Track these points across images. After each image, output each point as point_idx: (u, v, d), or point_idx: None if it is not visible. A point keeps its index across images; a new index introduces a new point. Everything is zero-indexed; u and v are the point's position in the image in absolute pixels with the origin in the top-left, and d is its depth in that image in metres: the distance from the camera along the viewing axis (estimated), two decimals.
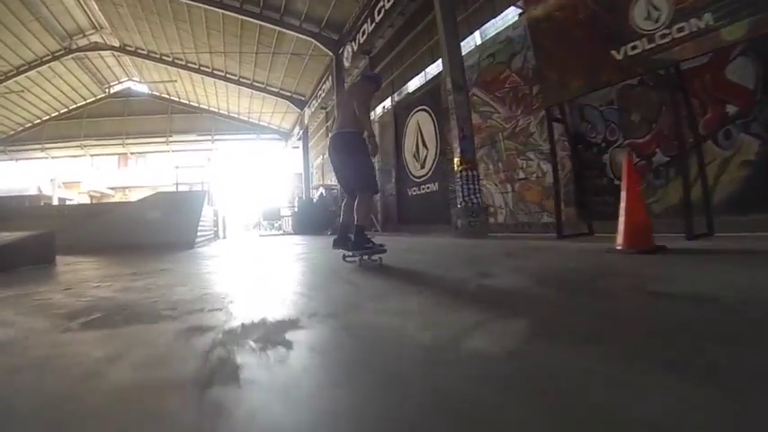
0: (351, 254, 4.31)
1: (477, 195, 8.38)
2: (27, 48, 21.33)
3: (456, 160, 8.65)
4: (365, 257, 4.16)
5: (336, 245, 4.47)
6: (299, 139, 30.48)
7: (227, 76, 24.81)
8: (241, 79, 24.91)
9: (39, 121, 30.07)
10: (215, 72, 24.72)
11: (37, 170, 30.02)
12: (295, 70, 22.24)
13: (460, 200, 8.34)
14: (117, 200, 27.97)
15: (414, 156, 13.59)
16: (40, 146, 30.51)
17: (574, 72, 6.51)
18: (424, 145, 12.92)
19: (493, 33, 10.32)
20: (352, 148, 4.27)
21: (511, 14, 9.96)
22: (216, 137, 31.50)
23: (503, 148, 9.62)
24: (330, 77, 18.89)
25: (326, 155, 17.72)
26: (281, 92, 25.55)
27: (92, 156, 33.25)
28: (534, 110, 8.80)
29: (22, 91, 25.41)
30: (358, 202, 4.25)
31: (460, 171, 8.45)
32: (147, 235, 9.13)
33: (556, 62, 6.82)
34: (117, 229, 9.33)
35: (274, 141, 34.15)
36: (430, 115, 12.63)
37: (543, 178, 8.57)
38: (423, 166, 13.02)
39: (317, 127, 26.33)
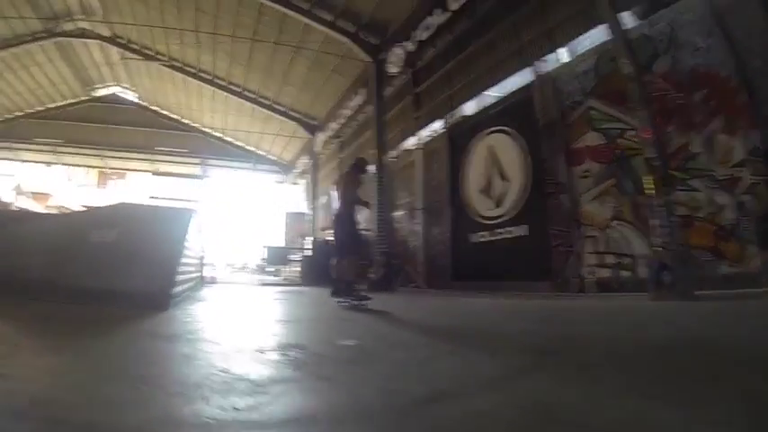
0: (343, 300, 6.68)
1: (680, 232, 6.50)
2: (4, 21, 19.76)
3: (652, 179, 6.76)
4: (355, 302, 6.45)
5: (335, 294, 6.97)
6: (302, 173, 29.18)
7: (230, 86, 23.38)
8: (245, 92, 23.49)
9: (10, 116, 28.27)
10: (216, 80, 23.25)
11: (2, 173, 28.54)
12: (312, 85, 20.87)
13: (665, 240, 6.39)
14: None
15: (483, 191, 11.84)
16: (7, 145, 28.72)
17: None
18: (502, 177, 11.20)
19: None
20: (345, 224, 7.28)
21: None
22: (207, 161, 29.89)
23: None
24: (363, 91, 17.43)
25: (332, 193, 16.67)
26: (291, 112, 24.17)
27: (64, 164, 31.62)
28: (698, 123, 7.18)
29: None
30: (346, 262, 7.11)
31: (662, 195, 6.55)
32: (86, 273, 5.28)
33: None
34: (28, 256, 5.49)
35: (272, 174, 32.84)
36: (513, 138, 10.97)
37: (718, 214, 6.84)
38: (499, 204, 11.23)
39: (329, 157, 24.95)
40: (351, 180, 7.64)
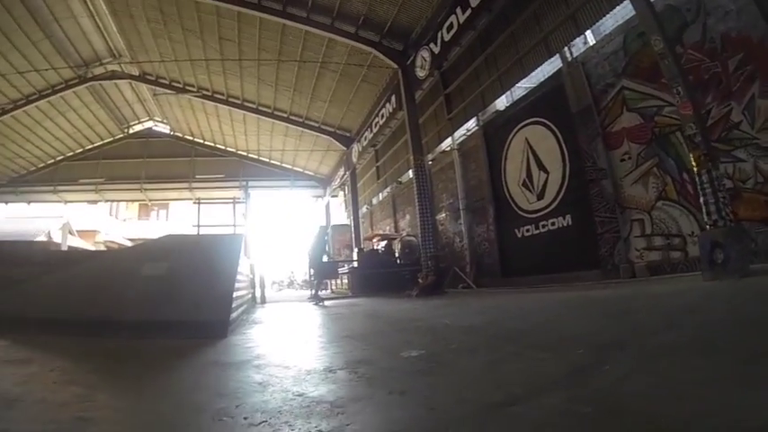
0: (314, 302, 12.68)
1: (729, 207, 6.34)
2: (38, 73, 20.78)
3: (695, 156, 6.57)
4: (320, 303, 12.23)
5: (313, 298, 13.61)
6: (340, 187, 29.65)
7: (260, 108, 23.96)
8: (275, 112, 24.04)
9: (52, 161, 29.95)
10: (245, 103, 23.89)
11: (51, 214, 29.92)
12: (342, 98, 21.27)
13: (715, 217, 6.27)
14: None
15: (523, 185, 11.89)
16: (52, 188, 30.23)
17: None
18: (542, 168, 11.21)
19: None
20: (315, 261, 15.71)
21: None
22: (246, 184, 30.60)
23: (685, 152, 7.83)
24: (393, 97, 17.63)
25: (374, 202, 18.09)
26: (323, 127, 24.60)
27: (107, 201, 33.52)
28: (736, 91, 7.07)
29: (34, 124, 25.47)
30: (317, 283, 15.21)
31: (707, 172, 6.38)
32: (138, 305, 5.43)
33: None
34: (85, 292, 5.64)
35: (311, 189, 33.52)
36: (548, 128, 11.00)
37: (767, 183, 6.73)
38: (541, 197, 11.26)
39: (366, 166, 25.34)
40: (319, 240, 15.78)
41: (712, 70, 7.41)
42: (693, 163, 6.56)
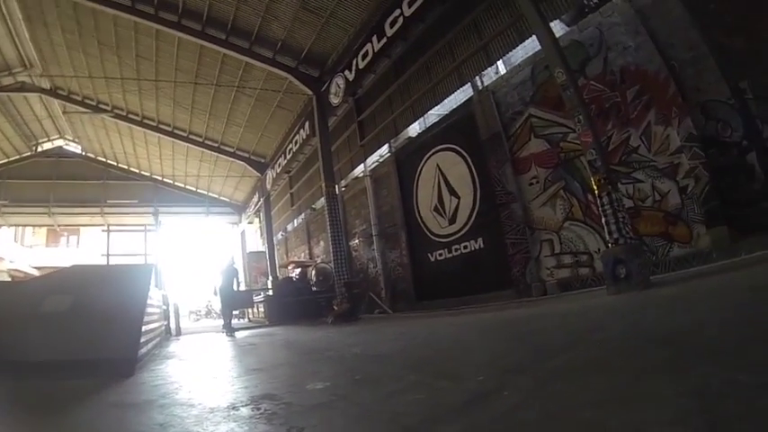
0: (226, 333, 11.61)
1: (629, 225, 6.57)
2: None
3: (595, 179, 6.79)
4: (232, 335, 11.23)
5: (225, 329, 12.08)
6: (255, 213, 28.88)
7: (176, 131, 23.02)
8: (190, 135, 23.18)
9: None
10: (161, 126, 22.89)
11: None
12: (257, 123, 20.81)
13: (616, 236, 6.43)
14: None
15: (435, 210, 11.82)
16: None
17: None
18: (453, 194, 11.20)
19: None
20: (225, 293, 13.07)
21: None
22: (159, 209, 28.95)
23: (589, 175, 8.01)
24: (307, 123, 17.34)
25: (289, 229, 17.09)
26: (238, 152, 24.00)
27: (11, 225, 30.31)
28: (634, 118, 7.42)
29: None
30: (227, 313, 12.82)
31: (606, 194, 6.58)
32: (40, 343, 4.89)
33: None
34: None
35: (226, 215, 32.50)
36: (459, 154, 11.02)
37: (664, 200, 7.10)
38: (452, 222, 11.20)
39: (280, 193, 24.76)
40: (227, 270, 13.26)
41: (612, 100, 7.75)
42: (594, 186, 6.78)
